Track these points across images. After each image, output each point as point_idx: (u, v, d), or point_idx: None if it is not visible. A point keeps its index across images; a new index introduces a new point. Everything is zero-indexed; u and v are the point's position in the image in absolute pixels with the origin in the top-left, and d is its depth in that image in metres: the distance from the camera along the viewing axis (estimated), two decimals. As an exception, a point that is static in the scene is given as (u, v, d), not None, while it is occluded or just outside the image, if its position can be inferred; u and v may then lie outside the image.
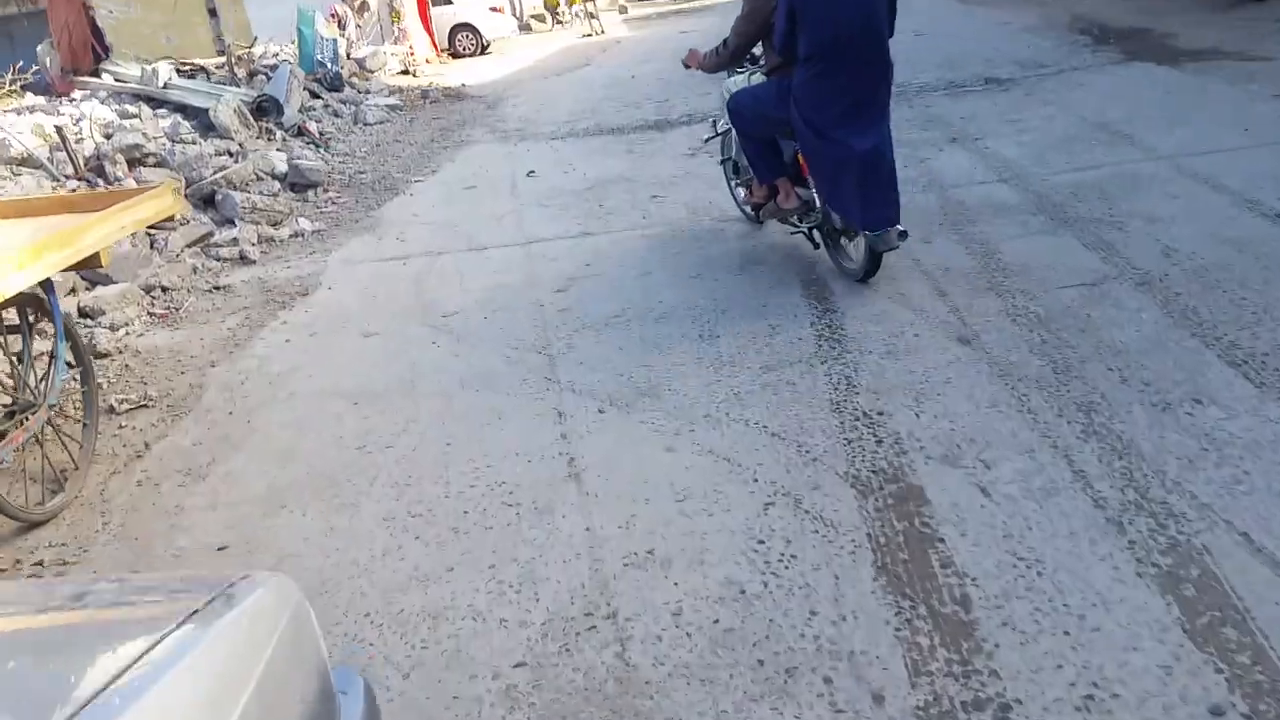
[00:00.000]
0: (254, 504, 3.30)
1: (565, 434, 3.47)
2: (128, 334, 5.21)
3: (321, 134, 10.44)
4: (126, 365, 4.79)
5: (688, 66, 4.98)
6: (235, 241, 6.62)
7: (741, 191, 5.45)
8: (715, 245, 5.44)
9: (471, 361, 4.29)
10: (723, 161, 5.71)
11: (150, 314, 5.48)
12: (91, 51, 18.02)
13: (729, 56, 4.61)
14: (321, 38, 13.42)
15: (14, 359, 3.43)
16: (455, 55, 20.62)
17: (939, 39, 13.31)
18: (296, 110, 10.70)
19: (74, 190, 6.90)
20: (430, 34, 19.81)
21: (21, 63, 14.28)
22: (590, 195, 7.01)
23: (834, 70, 3.99)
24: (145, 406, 4.27)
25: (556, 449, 3.37)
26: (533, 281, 5.31)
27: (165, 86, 9.80)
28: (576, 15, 31.99)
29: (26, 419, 3.25)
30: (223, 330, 5.17)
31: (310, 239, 6.84)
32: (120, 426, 4.08)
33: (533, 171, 8.02)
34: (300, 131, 9.91)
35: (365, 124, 11.42)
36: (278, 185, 7.77)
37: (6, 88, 13.40)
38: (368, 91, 13.48)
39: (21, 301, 3.29)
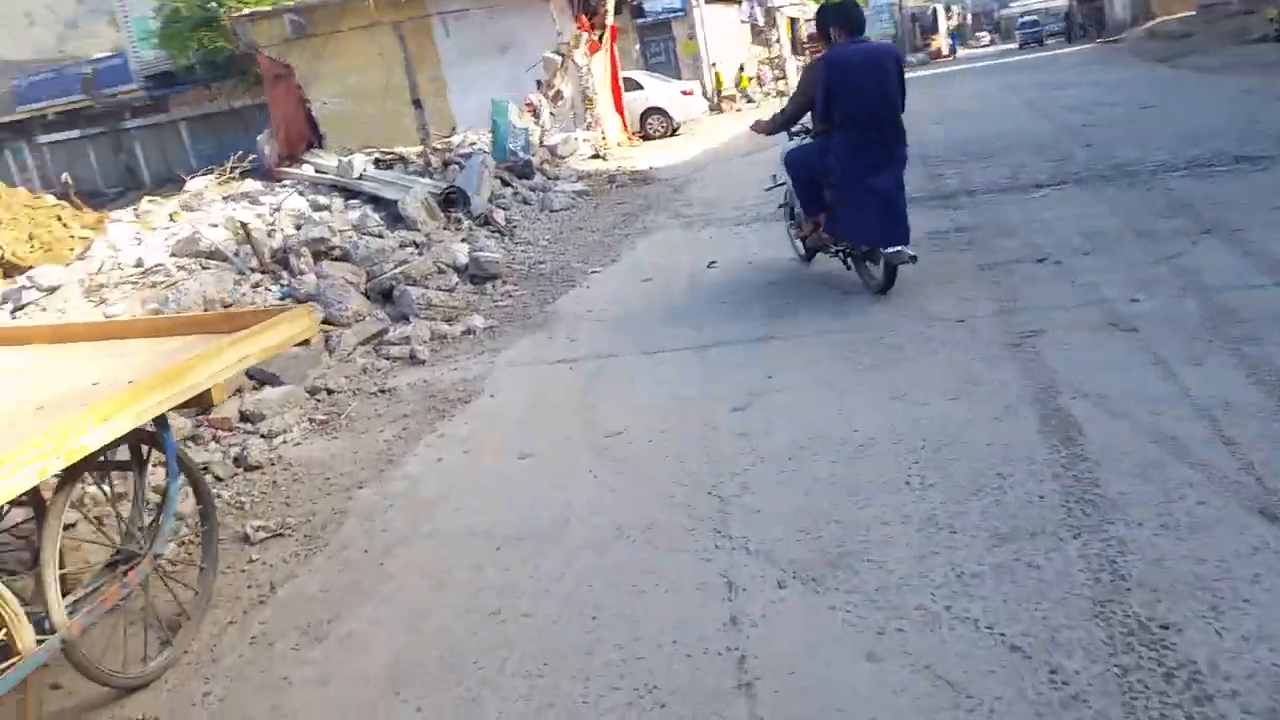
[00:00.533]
0: (369, 686, 2.80)
1: (735, 617, 2.79)
2: (284, 443, 4.98)
3: (507, 222, 10.40)
4: (274, 482, 4.52)
5: (756, 131, 6.43)
6: (407, 340, 6.41)
7: (793, 230, 6.66)
8: (923, 357, 4.65)
9: (632, 500, 3.69)
10: (780, 206, 7.14)
11: (311, 420, 5.26)
12: (306, 141, 19.39)
13: (783, 123, 6.08)
14: (515, 127, 13.66)
15: (116, 502, 3.12)
16: (646, 138, 20.77)
17: (1172, 111, 11.97)
18: (485, 199, 10.75)
19: (255, 283, 6.96)
20: (622, 118, 20.05)
21: (240, 151, 15.37)
22: (774, 291, 6.38)
23: (861, 133, 5.39)
24: (281, 535, 3.93)
25: (724, 641, 2.68)
26: (708, 394, 4.70)
27: (360, 177, 10.05)
28: (767, 95, 32.02)
29: (128, 572, 2.90)
30: (379, 442, 4.85)
31: (482, 337, 6.55)
32: (251, 560, 3.74)
33: (714, 262, 7.49)
34: (487, 220, 9.88)
35: (551, 210, 11.35)
36: (456, 279, 7.61)
37: (228, 174, 14.41)
38: (556, 178, 13.53)
39: (134, 437, 2.98)
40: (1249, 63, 17.11)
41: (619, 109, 20.01)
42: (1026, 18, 55.31)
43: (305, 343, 3.45)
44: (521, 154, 13.42)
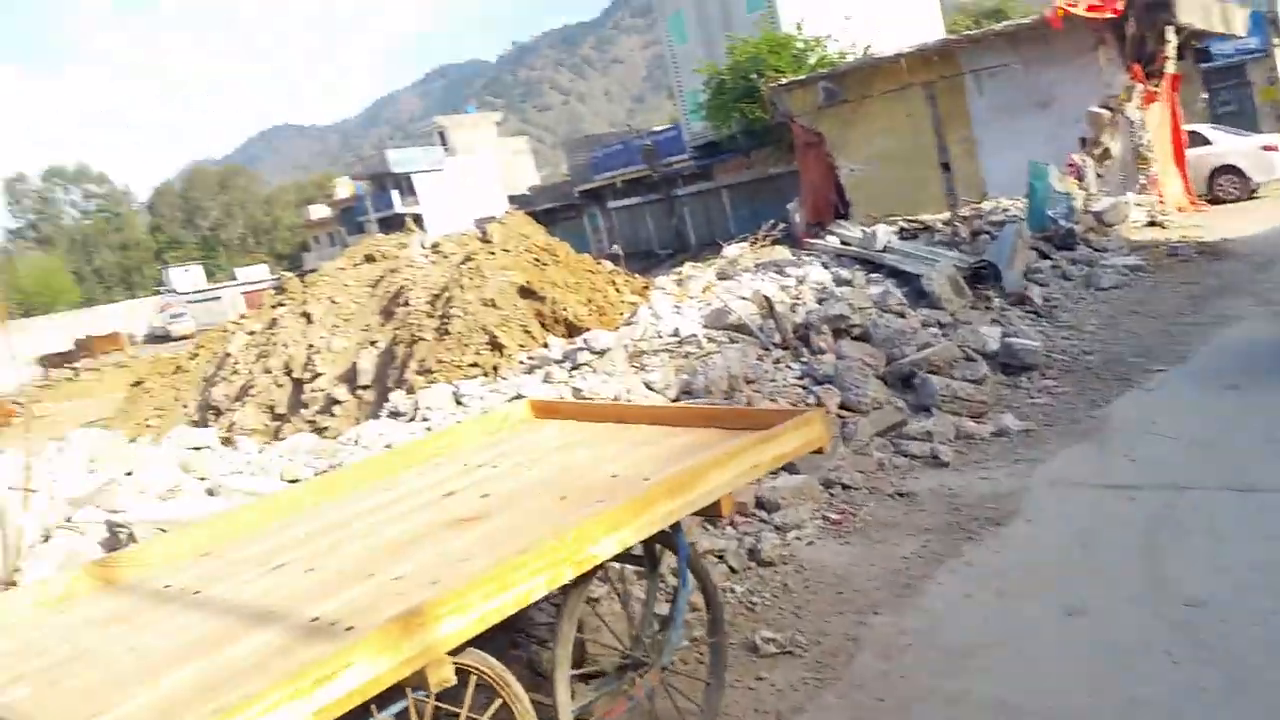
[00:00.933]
0: None
1: None
2: (797, 539, 4.78)
3: (1045, 301, 9.41)
4: (785, 584, 4.31)
5: None
6: (929, 435, 5.92)
7: None
8: None
9: (1228, 711, 2.80)
10: None
11: (825, 518, 5.00)
12: (833, 209, 19.82)
13: None
14: (1054, 191, 12.47)
15: (626, 601, 3.07)
16: (1215, 201, 17.84)
17: None
18: (1019, 274, 9.87)
19: (776, 359, 6.97)
20: (1184, 178, 17.46)
21: (772, 220, 16.10)
22: None
23: None
24: (791, 653, 3.67)
25: None
26: (1341, 569, 3.53)
27: (884, 250, 9.80)
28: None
29: (634, 681, 2.81)
30: (896, 558, 4.42)
31: (1015, 440, 5.81)
32: (758, 678, 3.53)
33: (1333, 372, 5.88)
34: (1021, 300, 9.01)
35: (1098, 288, 10.06)
36: (985, 368, 6.94)
37: (760, 241, 15.15)
38: (1103, 249, 12.05)
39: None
40: None
41: (1180, 168, 17.45)
42: None
43: (819, 450, 3.16)
44: (1062, 222, 12.19)
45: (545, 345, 8.02)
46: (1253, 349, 6.90)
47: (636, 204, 38.35)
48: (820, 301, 8.29)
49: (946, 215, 14.05)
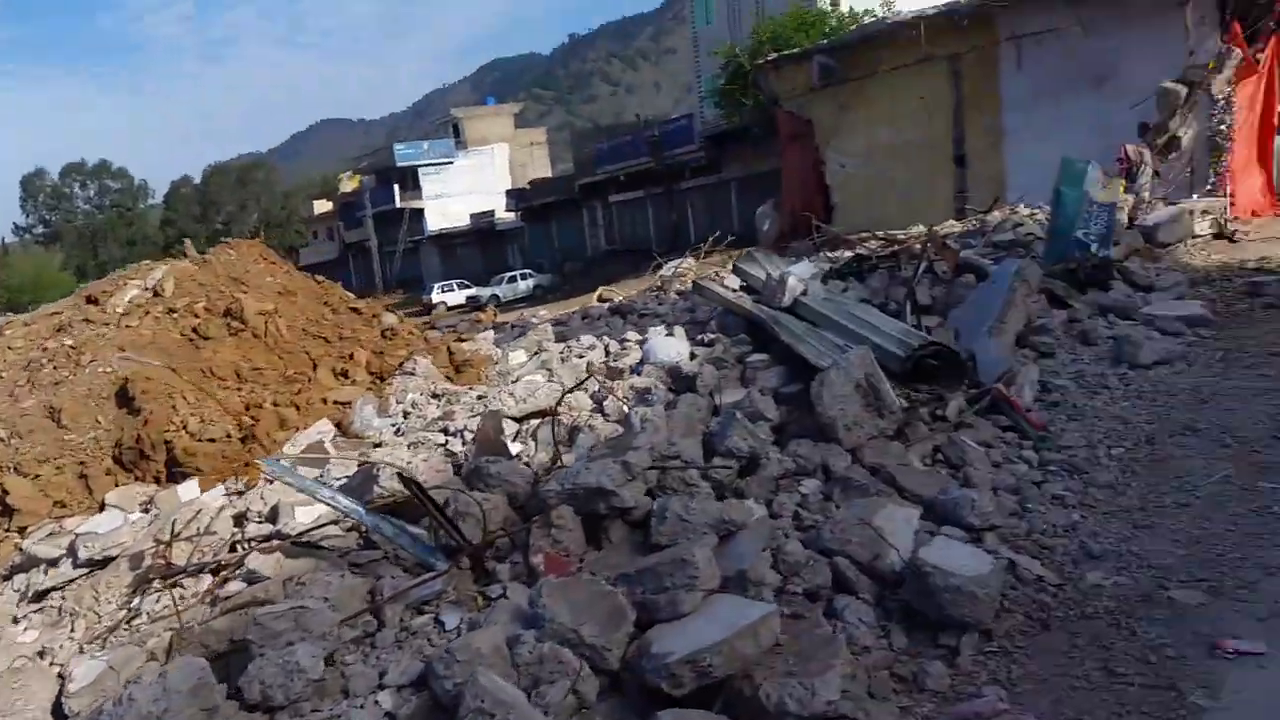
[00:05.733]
0: None
1: None
2: None
3: (1045, 396, 5.68)
4: None
5: None
6: None
7: None
8: None
9: None
10: None
11: None
12: (813, 213, 15.92)
13: None
14: (1092, 202, 8.54)
15: None
16: (1308, 202, 13.66)
17: None
18: (1008, 347, 6.11)
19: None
20: (1268, 173, 13.29)
21: (719, 231, 12.54)
22: None
23: None
24: None
25: None
26: None
27: (790, 309, 6.08)
28: None
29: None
30: None
31: None
32: None
33: None
34: (994, 404, 5.27)
35: (1134, 365, 6.26)
36: (871, 610, 3.26)
37: (705, 256, 11.70)
38: (1150, 286, 8.16)
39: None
40: None
41: (1265, 161, 13.28)
42: None
43: None
44: (1095, 247, 8.31)
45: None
46: None
47: (637, 198, 34.70)
48: (623, 420, 4.67)
49: (924, 234, 10.24)
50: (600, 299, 12.46)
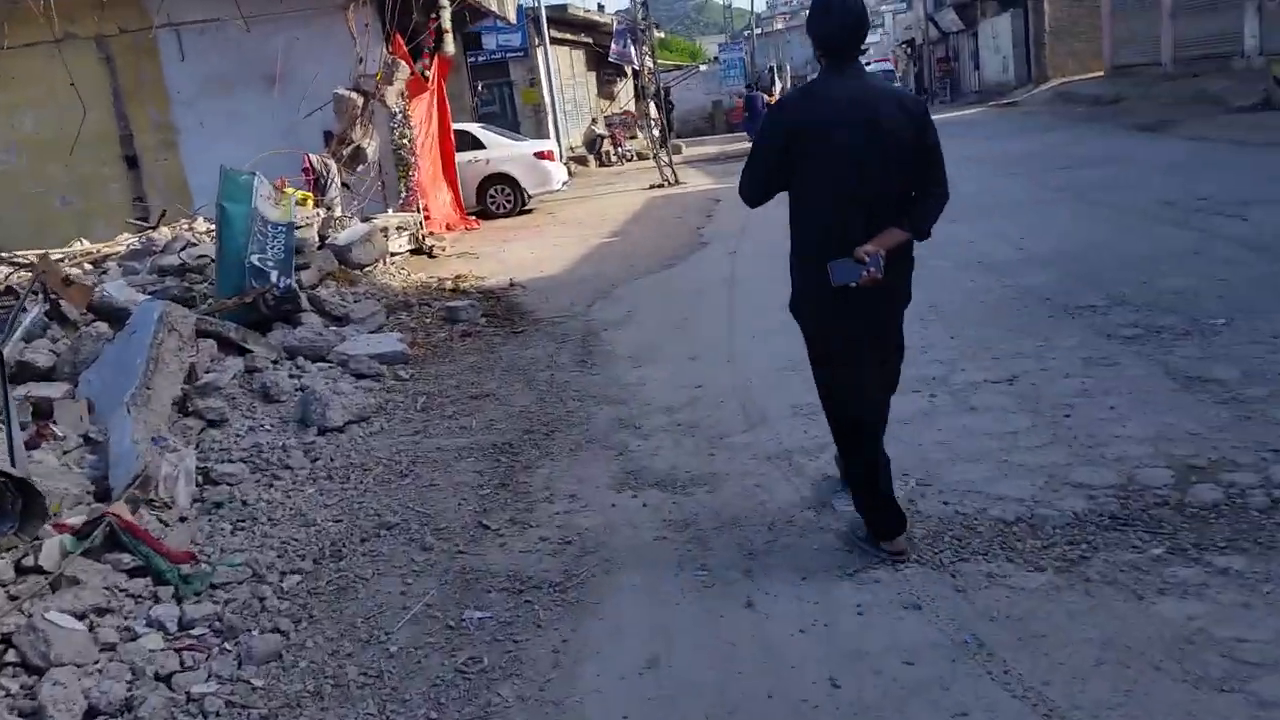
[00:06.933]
0: None
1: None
2: None
3: (202, 508, 4.07)
4: None
5: None
6: None
7: None
8: None
9: None
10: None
11: None
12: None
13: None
14: (265, 221, 7.13)
15: None
16: (485, 215, 14.64)
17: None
18: (154, 425, 4.33)
19: None
20: (454, 190, 13.83)
21: None
22: None
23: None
24: None
25: None
26: None
27: None
28: (624, 156, 26.53)
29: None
30: None
31: None
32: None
33: None
34: (113, 532, 3.45)
35: (327, 430, 5.04)
36: None
37: None
38: (345, 318, 7.16)
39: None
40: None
41: (450, 178, 13.78)
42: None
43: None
44: (276, 275, 6.94)
45: None
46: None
47: None
48: None
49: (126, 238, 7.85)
50: None
